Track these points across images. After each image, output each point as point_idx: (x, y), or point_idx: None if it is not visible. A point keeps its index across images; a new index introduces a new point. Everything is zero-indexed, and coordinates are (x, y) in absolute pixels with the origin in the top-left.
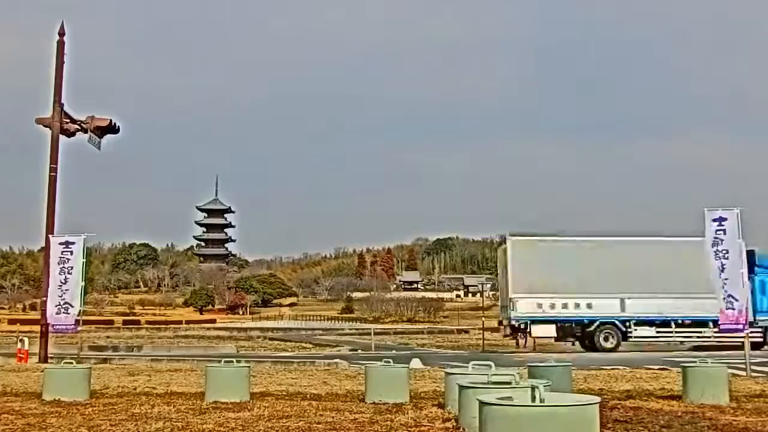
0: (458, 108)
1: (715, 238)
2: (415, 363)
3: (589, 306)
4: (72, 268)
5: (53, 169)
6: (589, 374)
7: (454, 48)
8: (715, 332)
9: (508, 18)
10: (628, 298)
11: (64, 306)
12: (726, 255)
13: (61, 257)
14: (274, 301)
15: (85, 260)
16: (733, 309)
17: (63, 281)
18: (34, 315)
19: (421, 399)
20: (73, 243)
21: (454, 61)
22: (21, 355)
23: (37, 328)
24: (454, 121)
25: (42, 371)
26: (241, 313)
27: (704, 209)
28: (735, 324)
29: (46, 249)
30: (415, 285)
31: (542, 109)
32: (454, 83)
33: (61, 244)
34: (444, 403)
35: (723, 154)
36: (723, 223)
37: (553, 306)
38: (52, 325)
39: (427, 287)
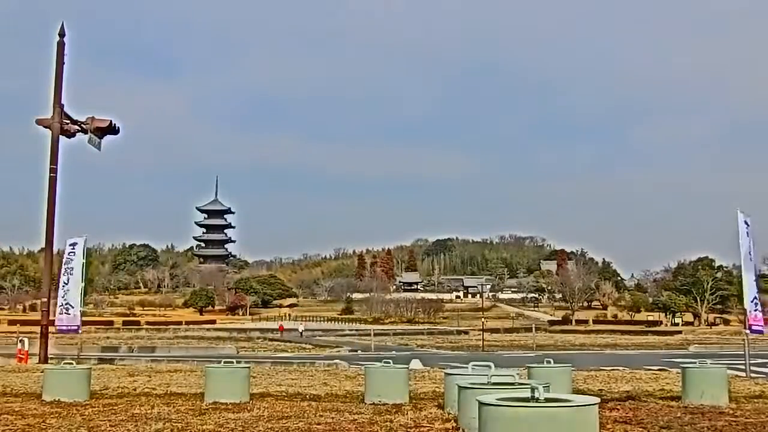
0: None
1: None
2: (415, 364)
3: None
4: (73, 269)
5: (53, 170)
6: (588, 375)
7: None
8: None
9: None
10: None
11: (65, 306)
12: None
13: (67, 258)
14: (274, 302)
15: (84, 261)
16: (758, 310)
17: (65, 282)
18: (34, 316)
19: (421, 400)
20: (76, 244)
21: None
22: (21, 356)
23: (37, 328)
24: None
25: (42, 372)
26: (240, 313)
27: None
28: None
29: (47, 249)
30: (415, 286)
31: None
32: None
33: (70, 245)
34: (444, 403)
35: None
36: (747, 227)
37: None
38: (57, 326)
39: (427, 288)
